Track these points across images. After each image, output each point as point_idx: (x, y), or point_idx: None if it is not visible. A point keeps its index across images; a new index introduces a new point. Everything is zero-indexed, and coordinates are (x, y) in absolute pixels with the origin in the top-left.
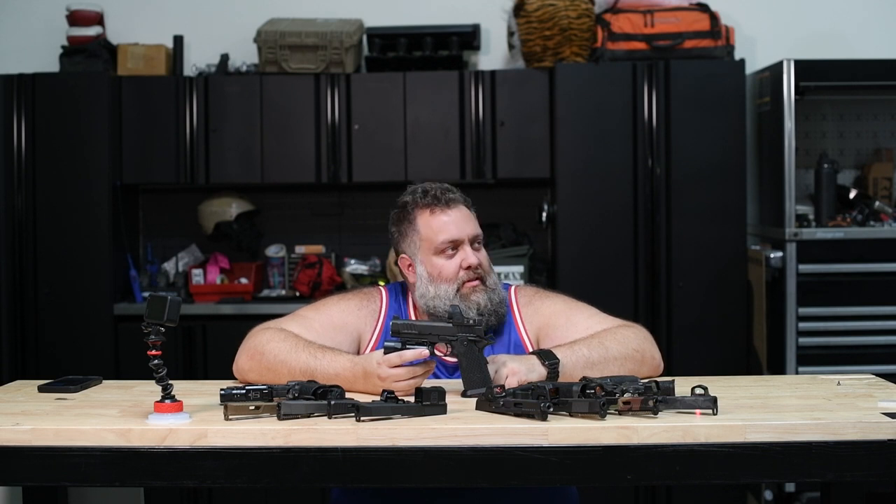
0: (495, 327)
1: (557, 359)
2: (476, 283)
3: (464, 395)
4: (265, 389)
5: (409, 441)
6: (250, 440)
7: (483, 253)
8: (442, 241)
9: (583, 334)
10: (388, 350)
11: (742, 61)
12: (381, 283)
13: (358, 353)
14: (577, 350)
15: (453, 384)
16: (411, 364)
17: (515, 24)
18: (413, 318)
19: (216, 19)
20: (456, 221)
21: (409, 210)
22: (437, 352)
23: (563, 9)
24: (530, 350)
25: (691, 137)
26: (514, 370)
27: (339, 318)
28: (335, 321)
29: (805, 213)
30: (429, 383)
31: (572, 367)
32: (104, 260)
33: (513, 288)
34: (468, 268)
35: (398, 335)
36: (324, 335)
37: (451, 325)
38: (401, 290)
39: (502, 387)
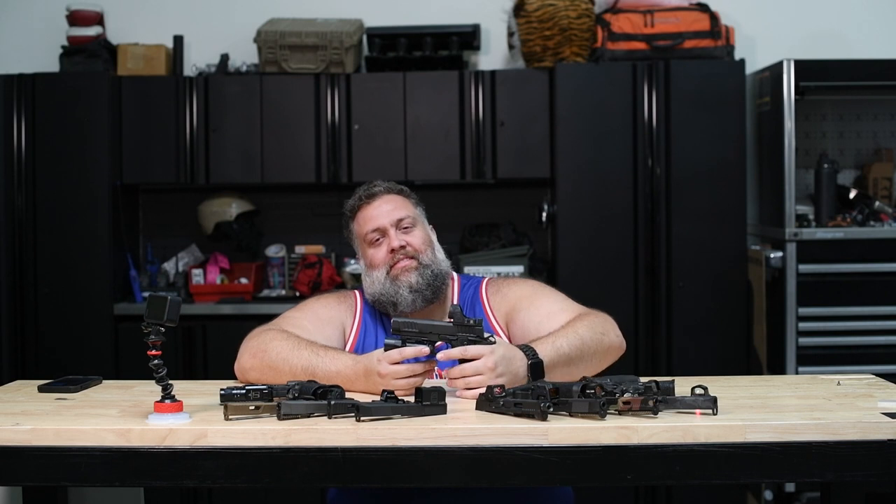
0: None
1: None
2: (406, 262)
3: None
4: (265, 389)
5: (409, 441)
6: (250, 440)
7: (417, 232)
8: (367, 233)
9: (545, 319)
10: (388, 347)
11: (742, 61)
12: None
13: (344, 346)
14: (560, 349)
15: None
16: (411, 362)
17: (515, 24)
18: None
19: (216, 19)
20: (379, 211)
21: (349, 213)
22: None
23: (563, 9)
24: (501, 336)
25: (691, 137)
26: (489, 367)
27: (325, 313)
28: (321, 316)
29: (805, 213)
30: (429, 383)
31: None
32: (104, 260)
33: (484, 281)
34: (393, 251)
35: (399, 333)
36: (315, 331)
37: (451, 324)
38: None
39: (502, 387)
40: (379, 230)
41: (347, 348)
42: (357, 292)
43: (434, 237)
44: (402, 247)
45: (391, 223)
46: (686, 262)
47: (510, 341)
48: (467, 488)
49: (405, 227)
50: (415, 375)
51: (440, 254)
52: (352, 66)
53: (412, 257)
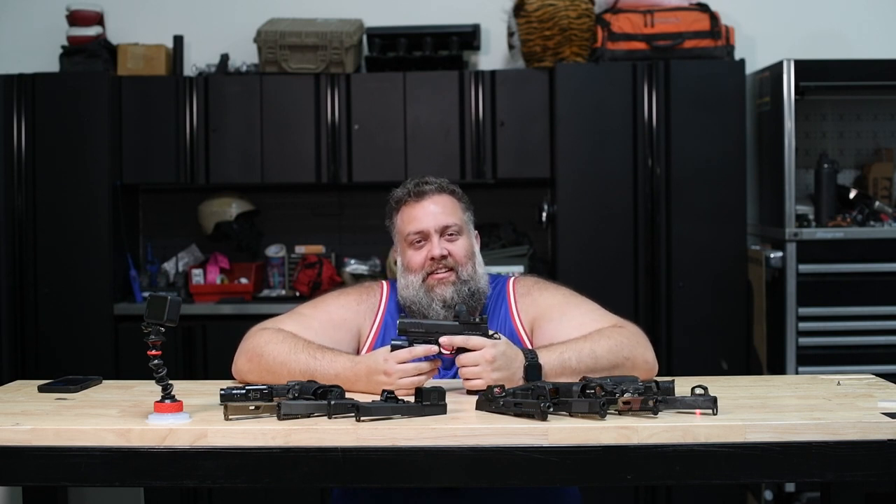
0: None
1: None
2: (444, 274)
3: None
4: (265, 389)
5: (409, 441)
6: (250, 440)
7: (460, 242)
8: (408, 233)
9: (575, 332)
10: (395, 348)
11: (742, 61)
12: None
13: (358, 349)
14: (567, 362)
15: (454, 384)
16: (418, 360)
17: (515, 24)
18: None
19: (216, 19)
20: (425, 212)
21: (394, 204)
22: (443, 350)
23: (563, 9)
24: (524, 338)
25: (691, 137)
26: (486, 359)
27: (338, 315)
28: (334, 318)
29: (805, 213)
30: (429, 383)
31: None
32: (104, 260)
33: (511, 280)
34: (433, 259)
35: (405, 334)
36: (322, 333)
37: (457, 323)
38: None
39: (502, 387)
40: (422, 233)
41: (366, 347)
42: (385, 284)
43: (477, 247)
44: (444, 256)
45: (436, 228)
46: (686, 262)
47: (532, 347)
48: (475, 489)
49: (450, 235)
50: (421, 374)
51: (480, 268)
52: (352, 66)
53: (451, 269)
